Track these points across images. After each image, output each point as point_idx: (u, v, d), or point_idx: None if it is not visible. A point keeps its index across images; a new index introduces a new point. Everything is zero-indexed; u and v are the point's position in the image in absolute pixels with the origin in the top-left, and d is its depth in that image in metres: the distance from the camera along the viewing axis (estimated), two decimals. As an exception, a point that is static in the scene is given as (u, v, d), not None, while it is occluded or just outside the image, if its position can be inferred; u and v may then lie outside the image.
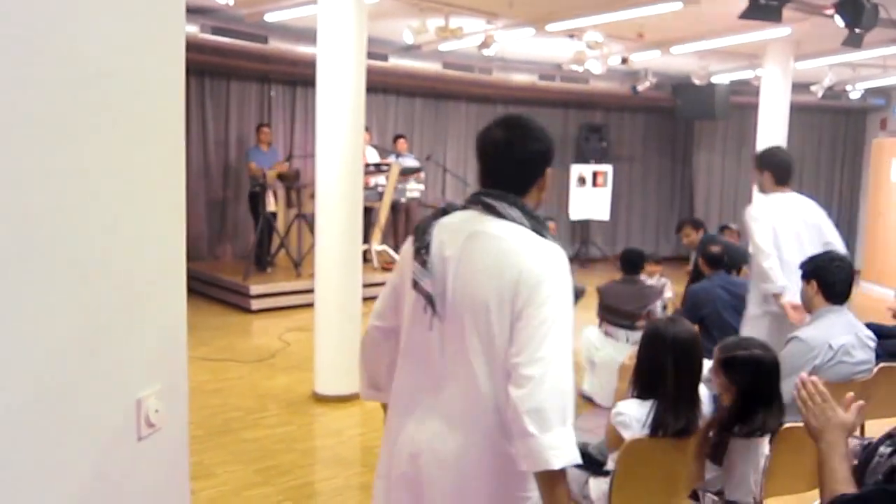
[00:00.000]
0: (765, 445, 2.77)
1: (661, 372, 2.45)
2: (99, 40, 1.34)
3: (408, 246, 1.89)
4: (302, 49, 8.18)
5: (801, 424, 2.65)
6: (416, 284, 1.80)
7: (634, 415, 2.45)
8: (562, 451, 1.59)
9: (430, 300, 1.78)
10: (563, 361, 1.66)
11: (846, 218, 12.66)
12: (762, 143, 8.74)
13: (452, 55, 9.39)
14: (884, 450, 1.83)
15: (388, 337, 1.99)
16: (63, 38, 1.26)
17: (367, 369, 2.16)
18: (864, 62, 9.15)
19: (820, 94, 10.00)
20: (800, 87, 9.56)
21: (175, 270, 1.65)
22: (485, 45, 7.53)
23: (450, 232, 1.83)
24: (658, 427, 2.40)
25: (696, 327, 5.62)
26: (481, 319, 1.74)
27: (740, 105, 11.21)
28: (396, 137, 10.03)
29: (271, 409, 5.01)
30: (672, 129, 12.74)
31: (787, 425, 2.62)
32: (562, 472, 1.62)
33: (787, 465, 2.67)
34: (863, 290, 10.60)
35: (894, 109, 11.68)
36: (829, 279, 3.25)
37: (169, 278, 1.62)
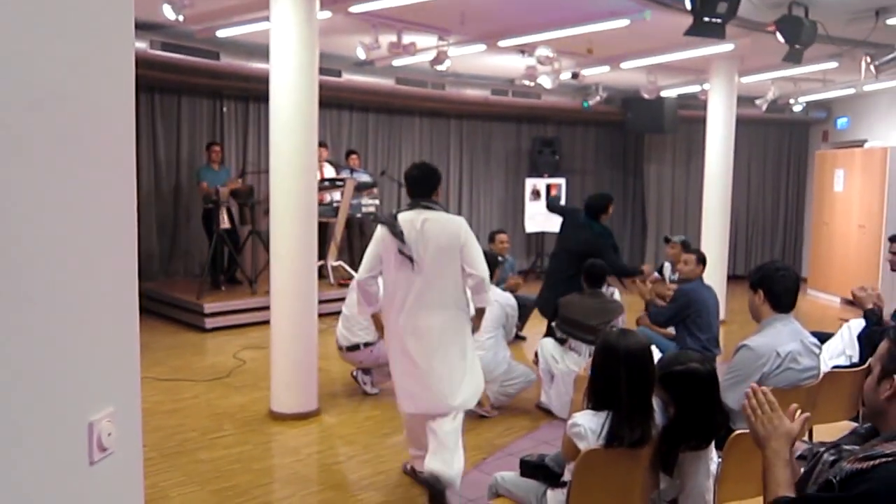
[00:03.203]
0: (713, 452, 2.83)
1: (615, 384, 2.49)
2: (45, 60, 1.33)
3: (382, 231, 3.80)
4: (254, 65, 8.14)
5: (745, 431, 2.73)
6: (400, 251, 3.70)
7: (589, 426, 2.49)
8: (489, 295, 3.98)
9: (410, 259, 3.71)
10: (482, 259, 3.82)
11: (792, 227, 13.02)
12: (711, 155, 8.97)
13: (405, 70, 9.43)
14: (827, 457, 1.90)
15: (375, 280, 3.89)
16: (6, 58, 1.25)
17: (365, 300, 3.95)
18: (804, 77, 9.45)
19: (764, 108, 10.28)
20: (745, 100, 9.84)
21: (127, 290, 1.63)
22: (437, 60, 7.57)
23: (408, 222, 3.74)
24: (613, 438, 2.44)
25: (671, 330, 5.81)
26: (445, 257, 3.74)
27: (688, 118, 11.47)
28: (349, 153, 10.02)
29: (227, 428, 4.94)
30: (622, 143, 12.97)
31: (736, 432, 2.69)
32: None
33: (738, 471, 2.73)
34: (809, 297, 10.90)
35: (835, 122, 12.07)
36: (776, 288, 3.34)
37: (120, 298, 1.60)
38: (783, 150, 12.86)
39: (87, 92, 1.44)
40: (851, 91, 10.44)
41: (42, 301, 1.35)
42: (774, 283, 3.35)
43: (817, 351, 3.46)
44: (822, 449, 1.99)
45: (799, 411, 2.01)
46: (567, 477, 2.61)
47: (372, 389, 5.70)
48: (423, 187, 3.86)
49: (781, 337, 3.31)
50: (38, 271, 1.34)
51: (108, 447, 1.50)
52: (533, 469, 2.85)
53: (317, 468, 4.38)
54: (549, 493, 2.74)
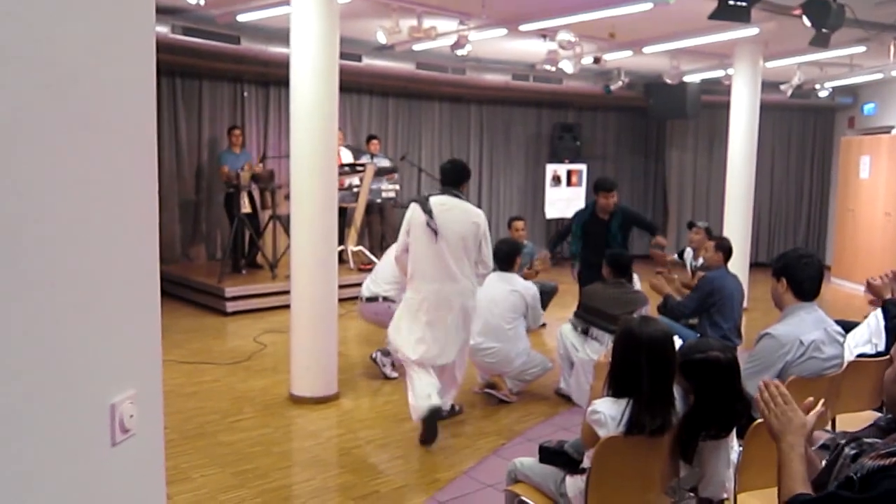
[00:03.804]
0: (733, 441, 2.81)
1: (635, 371, 2.47)
2: (66, 42, 1.33)
3: (413, 208, 4.55)
4: (275, 49, 8.14)
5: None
6: (428, 224, 4.41)
7: (609, 413, 2.47)
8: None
9: (434, 231, 4.41)
10: (492, 256, 4.67)
11: (816, 214, 12.85)
12: (734, 141, 8.86)
13: (426, 55, 9.39)
14: (848, 451, 1.87)
15: (407, 253, 4.58)
16: (28, 41, 1.25)
17: (402, 271, 4.78)
18: (831, 61, 9.30)
19: (789, 93, 10.12)
20: (769, 85, 9.68)
21: (149, 273, 1.63)
22: (458, 45, 7.53)
23: (437, 205, 4.48)
24: (634, 426, 2.42)
25: (696, 319, 5.79)
26: (460, 241, 4.44)
27: (711, 104, 11.34)
28: (369, 138, 10.01)
29: (247, 411, 4.98)
30: (644, 128, 12.85)
31: (758, 421, 2.66)
32: None
33: (759, 460, 2.70)
34: (833, 285, 10.78)
35: (862, 108, 11.87)
36: (799, 277, 3.30)
37: (142, 281, 1.61)
38: (808, 136, 12.67)
39: (107, 73, 1.44)
40: (879, 76, 10.25)
41: (64, 284, 1.35)
42: (797, 271, 3.31)
43: (841, 339, 3.42)
44: (843, 442, 1.96)
45: (816, 405, 1.97)
46: (586, 464, 2.60)
47: (392, 373, 5.71)
48: (453, 178, 4.62)
49: (805, 325, 3.27)
50: (58, 254, 1.34)
51: (130, 429, 1.51)
52: (552, 455, 2.84)
53: (336, 452, 4.41)
54: (568, 479, 2.73)
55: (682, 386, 2.63)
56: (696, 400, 2.61)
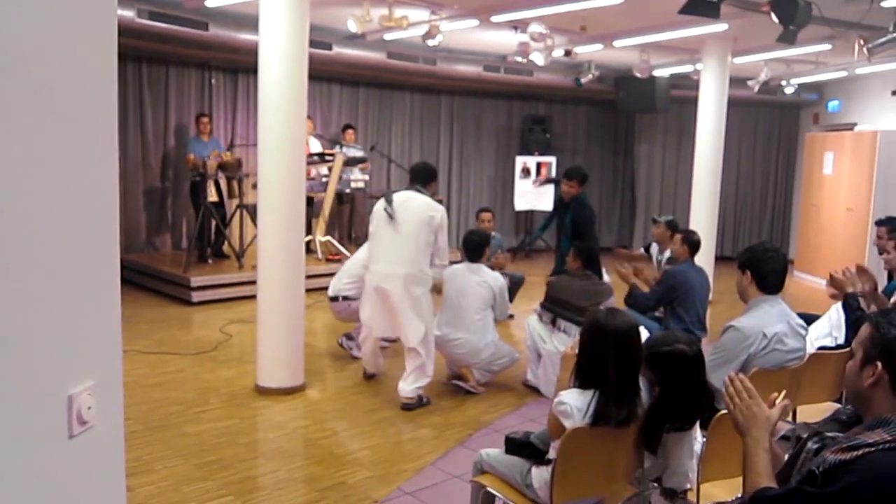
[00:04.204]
0: (697, 432, 2.84)
1: (602, 363, 2.49)
2: (21, 23, 1.29)
3: (379, 203, 4.91)
4: (244, 36, 8.03)
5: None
6: (385, 210, 4.80)
7: (576, 404, 2.48)
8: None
9: (390, 216, 4.77)
10: (447, 250, 4.99)
11: (781, 209, 13.05)
12: (701, 136, 8.95)
13: (397, 45, 9.34)
14: (811, 445, 1.89)
15: None
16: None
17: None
18: (797, 58, 9.42)
19: (756, 89, 10.25)
20: (737, 81, 9.79)
21: (108, 261, 1.60)
22: (429, 35, 7.50)
23: (400, 198, 4.85)
24: (600, 417, 2.44)
25: (659, 311, 5.86)
26: (414, 229, 4.77)
27: (680, 98, 11.44)
28: (345, 127, 9.94)
29: (213, 402, 4.93)
30: (613, 122, 12.93)
31: (721, 412, 2.69)
32: None
33: (723, 451, 2.74)
34: (795, 279, 10.97)
35: (826, 104, 12.06)
36: (763, 270, 3.34)
37: (101, 269, 1.57)
38: (773, 132, 12.85)
39: (66, 55, 1.40)
40: (844, 74, 10.43)
41: (18, 272, 1.32)
42: (762, 265, 3.35)
43: (803, 332, 3.47)
44: (806, 436, 1.99)
45: (779, 398, 2.00)
46: (552, 455, 2.62)
47: (359, 353, 5.71)
48: (421, 178, 5.01)
49: (768, 318, 3.31)
50: (12, 241, 1.31)
51: (88, 420, 1.48)
52: (518, 446, 2.84)
53: (302, 443, 4.38)
54: (534, 470, 2.74)
55: (648, 378, 2.65)
56: (661, 392, 2.64)
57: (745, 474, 1.88)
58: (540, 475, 2.69)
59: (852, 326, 4.08)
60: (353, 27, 7.25)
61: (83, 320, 1.50)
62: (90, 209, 1.52)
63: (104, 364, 1.58)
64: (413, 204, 4.81)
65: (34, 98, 1.31)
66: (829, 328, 4.75)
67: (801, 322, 3.50)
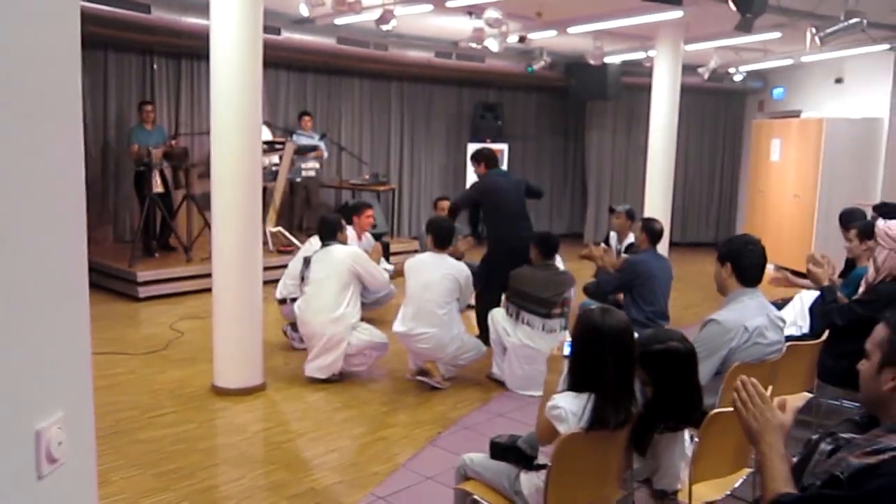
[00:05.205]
0: (687, 433, 2.77)
1: (598, 365, 2.38)
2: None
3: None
4: (188, 20, 7.70)
5: (726, 410, 2.67)
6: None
7: (570, 408, 2.38)
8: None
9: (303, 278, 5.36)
10: (378, 272, 5.41)
11: (727, 195, 13.24)
12: (655, 123, 8.96)
13: (347, 30, 9.10)
14: (824, 447, 1.83)
15: None
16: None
17: None
18: (746, 46, 9.51)
19: (707, 76, 10.32)
20: (686, 68, 9.80)
21: (75, 276, 1.42)
22: (383, 20, 7.29)
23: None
24: (597, 421, 2.34)
25: (618, 297, 5.84)
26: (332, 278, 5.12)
27: (631, 86, 11.46)
28: (302, 114, 9.66)
29: (167, 405, 4.69)
30: (565, 109, 12.90)
31: (714, 411, 2.63)
32: None
33: (715, 450, 2.68)
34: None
35: (771, 91, 12.25)
36: (743, 263, 3.30)
37: (68, 286, 1.39)
38: (719, 119, 13.01)
39: (30, 44, 1.21)
40: (790, 62, 10.58)
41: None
42: (743, 257, 3.31)
43: (781, 324, 3.45)
44: (817, 437, 1.92)
45: (796, 401, 1.93)
46: (542, 460, 2.52)
47: (300, 345, 5.58)
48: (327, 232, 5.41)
49: (748, 311, 3.27)
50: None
51: (59, 458, 1.30)
52: (504, 451, 2.73)
53: (266, 447, 4.19)
54: (523, 476, 2.63)
55: (640, 377, 2.56)
56: (654, 391, 2.55)
57: (764, 482, 1.81)
58: (530, 481, 2.58)
59: (820, 316, 4.09)
60: (304, 11, 7.00)
61: (49, 343, 1.32)
62: (55, 216, 1.34)
63: (74, 390, 1.40)
64: (326, 255, 5.22)
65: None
66: (794, 317, 4.76)
67: (779, 314, 3.48)
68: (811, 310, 4.40)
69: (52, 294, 1.32)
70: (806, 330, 4.54)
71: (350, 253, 5.23)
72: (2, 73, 1.14)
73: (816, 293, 4.29)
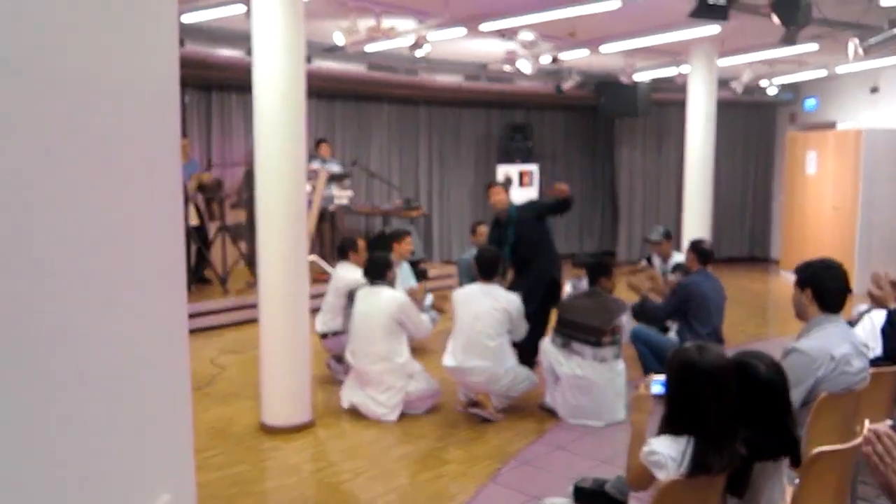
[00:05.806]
0: (785, 467, 2.61)
1: (698, 406, 2.23)
2: (91, 51, 1.00)
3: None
4: (221, 52, 7.69)
5: (830, 448, 2.51)
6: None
7: (669, 453, 2.23)
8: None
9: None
10: (420, 319, 5.24)
11: (761, 208, 13.02)
12: (692, 140, 8.81)
13: (378, 56, 9.06)
14: None
15: None
16: (37, 47, 0.92)
17: None
18: (780, 59, 9.35)
19: (740, 90, 10.17)
20: (719, 83, 9.69)
21: (177, 343, 1.31)
22: (416, 45, 7.24)
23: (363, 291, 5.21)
24: (699, 466, 2.19)
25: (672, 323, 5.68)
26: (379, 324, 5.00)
27: (661, 101, 11.34)
28: (319, 142, 9.61)
29: (216, 446, 4.58)
30: (594, 127, 12.78)
31: (817, 450, 2.46)
32: None
33: (818, 492, 2.52)
34: (781, 278, 10.92)
35: (803, 103, 12.05)
36: (825, 288, 3.14)
37: (171, 354, 1.28)
38: (751, 132, 12.81)
39: (135, 85, 1.11)
40: (824, 73, 10.40)
41: (80, 369, 1.03)
42: (824, 283, 3.15)
43: (866, 351, 3.28)
44: None
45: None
46: (635, 507, 2.36)
47: (345, 377, 5.42)
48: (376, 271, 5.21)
49: (833, 339, 3.11)
50: (75, 330, 1.02)
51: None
52: (590, 497, 2.58)
53: (324, 488, 4.06)
54: (614, 524, 2.48)
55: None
56: (745, 426, 2.39)
57: None
58: (622, 530, 2.44)
59: (894, 339, 3.91)
60: (339, 40, 6.95)
61: (153, 422, 1.21)
62: (158, 271, 1.23)
63: (179, 473, 1.29)
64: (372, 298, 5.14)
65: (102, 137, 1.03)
66: (864, 338, 4.55)
67: (863, 340, 3.31)
68: (884, 331, 4.22)
69: (155, 372, 1.21)
70: (878, 352, 4.35)
71: (397, 302, 5.00)
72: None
73: (885, 314, 4.12)
